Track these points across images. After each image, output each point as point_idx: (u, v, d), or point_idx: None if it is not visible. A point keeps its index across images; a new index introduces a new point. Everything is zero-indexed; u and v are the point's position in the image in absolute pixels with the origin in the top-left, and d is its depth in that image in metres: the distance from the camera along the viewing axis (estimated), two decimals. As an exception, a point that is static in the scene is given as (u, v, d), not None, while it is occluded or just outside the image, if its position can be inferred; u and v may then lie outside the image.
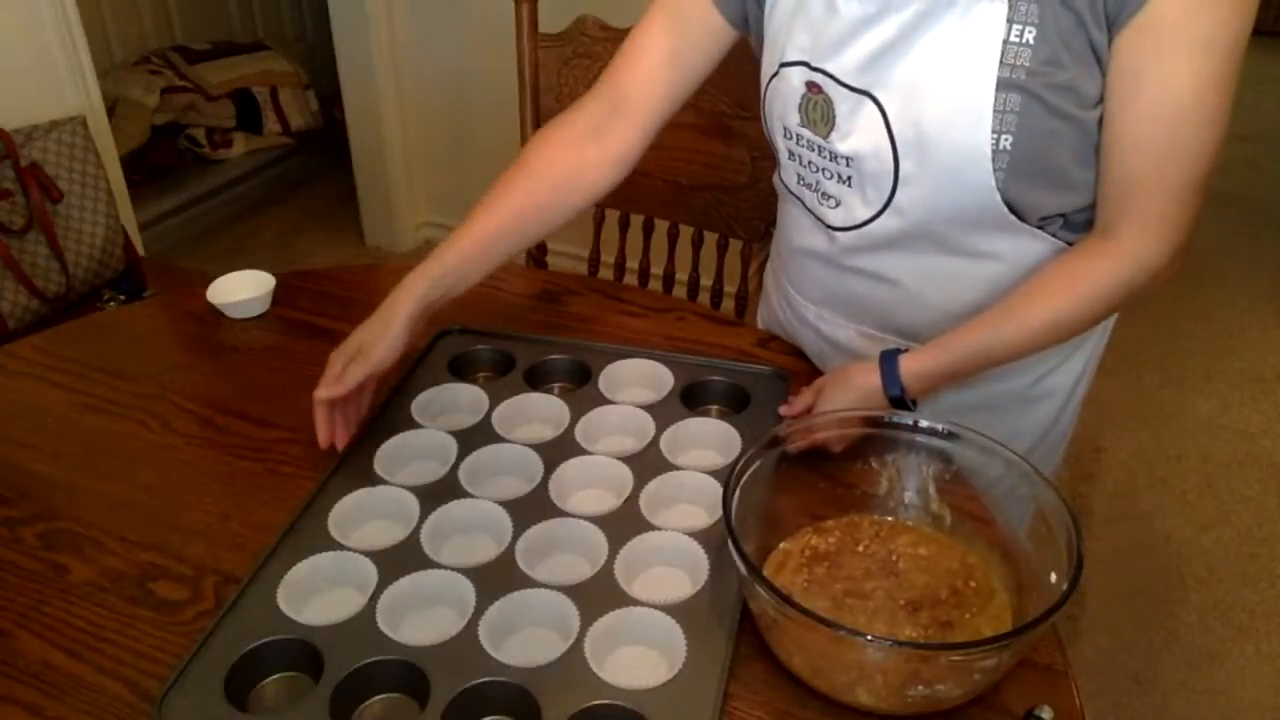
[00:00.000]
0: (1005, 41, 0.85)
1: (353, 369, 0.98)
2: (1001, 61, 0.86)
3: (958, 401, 1.09)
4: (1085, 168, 0.93)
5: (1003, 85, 0.86)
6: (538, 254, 1.65)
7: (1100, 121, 0.89)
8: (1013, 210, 0.93)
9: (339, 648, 0.79)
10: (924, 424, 0.90)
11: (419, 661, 0.78)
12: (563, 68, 1.54)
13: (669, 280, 1.64)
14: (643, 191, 1.57)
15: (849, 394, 0.99)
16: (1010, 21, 0.85)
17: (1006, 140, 0.88)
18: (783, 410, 1.02)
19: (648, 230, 1.61)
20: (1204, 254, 3.12)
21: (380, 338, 1.00)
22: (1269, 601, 1.97)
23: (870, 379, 0.98)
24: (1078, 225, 0.98)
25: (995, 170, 0.89)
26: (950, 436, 0.89)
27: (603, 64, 1.52)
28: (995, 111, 0.87)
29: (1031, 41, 0.85)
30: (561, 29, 1.53)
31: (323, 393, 0.97)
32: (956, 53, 0.87)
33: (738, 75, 1.44)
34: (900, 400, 0.98)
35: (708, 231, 1.57)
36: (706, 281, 1.61)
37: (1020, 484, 0.85)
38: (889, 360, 0.98)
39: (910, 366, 0.97)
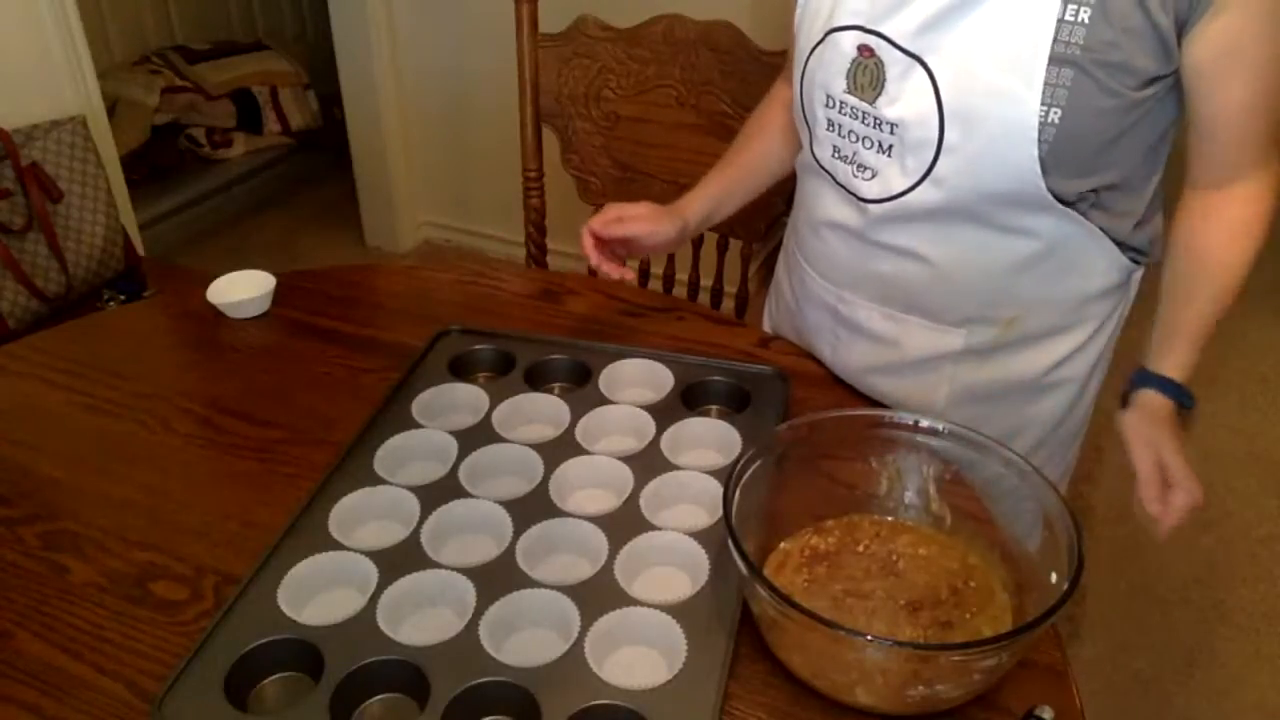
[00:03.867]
0: (1060, 20, 0.86)
1: (631, 224, 1.13)
2: (1056, 38, 0.87)
3: (969, 388, 1.10)
4: (1121, 146, 0.94)
5: (1055, 59, 0.87)
6: (538, 254, 1.65)
7: (1144, 100, 0.91)
8: (1049, 187, 0.93)
9: (339, 648, 0.79)
10: (924, 424, 0.90)
11: (419, 661, 0.78)
12: (563, 68, 1.54)
13: (669, 280, 1.64)
14: (643, 192, 1.57)
15: (1158, 425, 0.99)
16: (1066, 1, 0.86)
17: (1055, 114, 0.89)
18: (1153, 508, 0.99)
19: (648, 230, 1.61)
20: (1204, 254, 3.11)
21: (661, 222, 1.14)
22: (1269, 601, 1.97)
23: (1156, 404, 1.00)
24: (1105, 204, 0.99)
25: (1040, 142, 0.90)
26: (950, 436, 0.89)
27: (603, 64, 1.53)
28: (1047, 84, 0.88)
29: (1086, 21, 0.86)
30: (561, 29, 1.53)
31: (598, 226, 1.12)
32: (1011, 26, 0.88)
33: (738, 76, 1.45)
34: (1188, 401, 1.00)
35: (708, 231, 1.57)
36: (706, 281, 1.61)
37: (1021, 484, 0.85)
38: (1156, 382, 1.00)
39: (1174, 367, 1.00)
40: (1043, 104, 0.88)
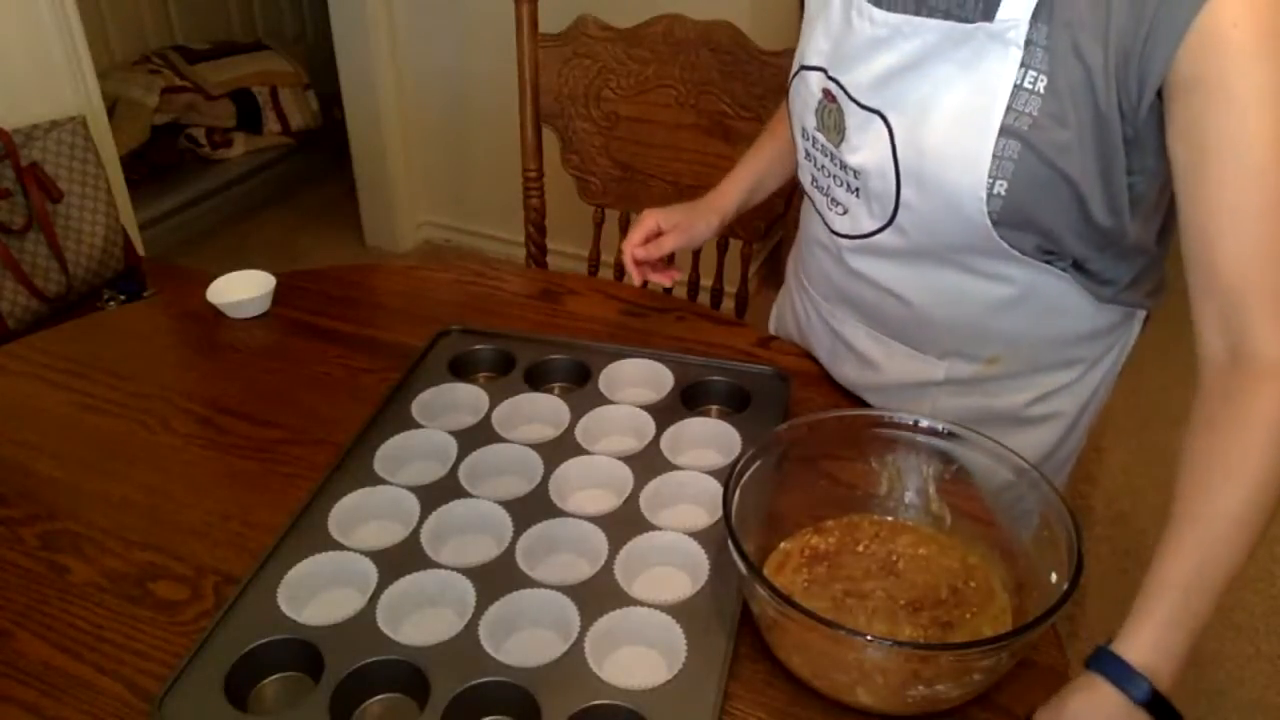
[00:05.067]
0: (1018, 86, 0.83)
1: (669, 239, 1.16)
2: (1009, 107, 0.83)
3: (952, 415, 1.06)
4: (1073, 225, 0.90)
5: (1005, 131, 0.84)
6: (538, 254, 1.65)
7: (1090, 182, 0.85)
8: (1010, 244, 0.91)
9: (339, 648, 0.79)
10: (924, 424, 0.90)
11: (419, 661, 0.78)
12: (563, 68, 1.54)
13: (669, 280, 1.64)
14: (643, 191, 1.57)
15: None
16: (1025, 66, 0.82)
17: (1001, 186, 0.86)
18: None
19: (648, 230, 1.61)
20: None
21: (697, 226, 1.18)
22: (1269, 601, 1.96)
23: (1101, 701, 0.71)
24: (1090, 273, 0.96)
25: (989, 212, 0.87)
26: (950, 436, 0.89)
27: (603, 64, 1.53)
28: (994, 156, 0.85)
29: (1042, 91, 0.82)
30: (561, 29, 1.53)
31: (640, 253, 1.16)
32: (968, 89, 0.85)
33: (738, 76, 1.45)
34: (1158, 699, 0.72)
35: (708, 231, 1.57)
36: (706, 281, 1.61)
37: (1021, 484, 0.85)
38: (1108, 661, 0.72)
39: (1140, 647, 0.72)
40: (989, 175, 0.85)
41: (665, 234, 1.17)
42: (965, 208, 0.88)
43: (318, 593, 0.86)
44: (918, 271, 0.99)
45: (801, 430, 0.90)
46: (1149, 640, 0.72)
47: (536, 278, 1.41)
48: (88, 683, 0.80)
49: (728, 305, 1.56)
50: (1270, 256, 0.76)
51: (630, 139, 1.55)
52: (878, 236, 0.98)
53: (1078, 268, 0.96)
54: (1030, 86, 0.83)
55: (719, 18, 1.46)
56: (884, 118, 0.91)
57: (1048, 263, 0.94)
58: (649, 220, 1.17)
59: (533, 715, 0.74)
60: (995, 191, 0.86)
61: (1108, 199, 0.87)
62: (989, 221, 0.88)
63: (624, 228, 1.61)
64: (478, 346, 1.17)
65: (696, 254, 1.59)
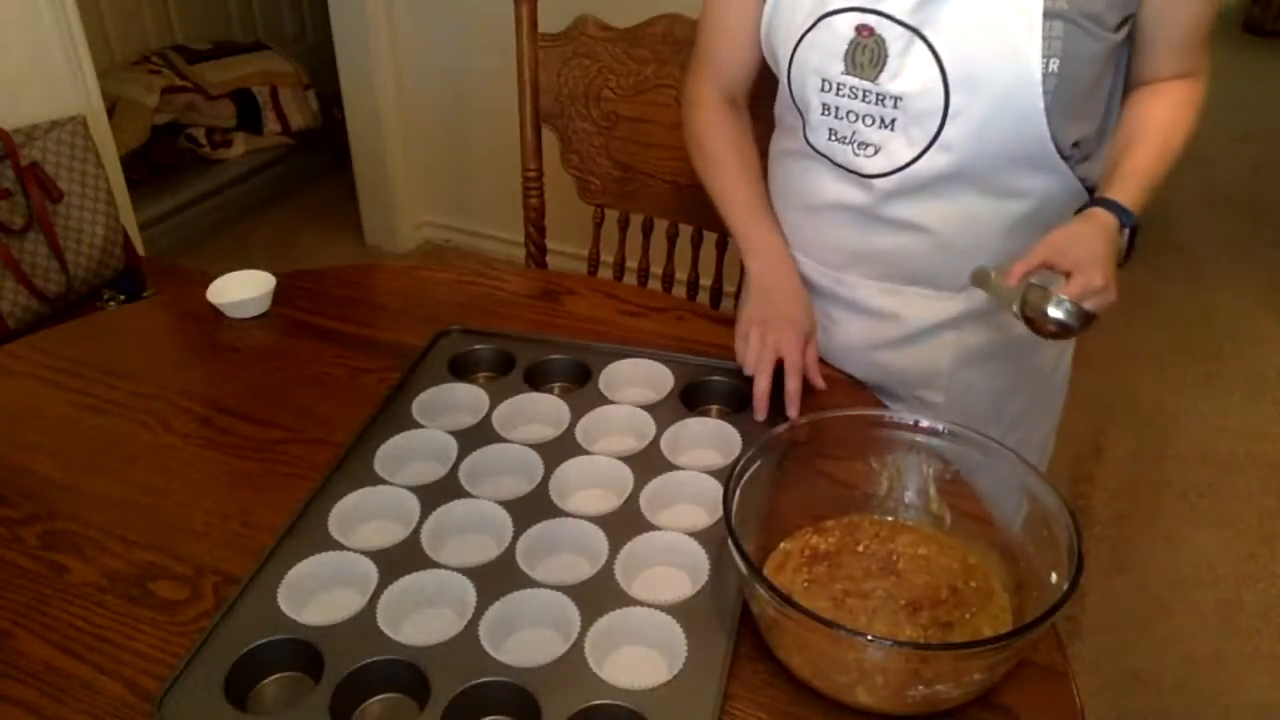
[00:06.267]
0: None
1: (811, 350, 1.09)
2: None
3: (971, 350, 1.14)
4: (1105, 86, 1.03)
5: (1049, 14, 0.93)
6: (537, 254, 1.65)
7: (1119, 42, 0.99)
8: (1052, 137, 0.98)
9: (339, 648, 0.79)
10: (924, 424, 0.90)
11: (419, 661, 0.78)
12: (563, 68, 1.54)
13: (669, 280, 1.64)
14: (643, 191, 1.57)
15: (1092, 232, 0.96)
16: None
17: (1054, 64, 0.94)
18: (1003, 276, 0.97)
19: (647, 230, 1.61)
20: (1204, 254, 3.12)
21: (808, 311, 1.12)
22: (1269, 601, 1.97)
23: (1100, 223, 0.97)
24: (1086, 151, 1.06)
25: (1044, 94, 0.95)
26: (950, 436, 0.89)
27: (603, 64, 1.53)
28: (1044, 38, 0.93)
29: None
30: (561, 29, 1.53)
31: (795, 390, 1.05)
32: None
33: (738, 75, 1.45)
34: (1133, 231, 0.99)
35: (708, 231, 1.57)
36: (706, 281, 1.61)
37: (1021, 484, 0.85)
38: (1104, 202, 0.98)
39: (1124, 199, 0.99)
40: (1043, 56, 0.94)
41: (802, 349, 1.07)
42: (1020, 95, 0.96)
43: (318, 593, 0.86)
44: (945, 200, 1.04)
45: (801, 430, 0.90)
46: (1128, 198, 0.99)
47: (536, 278, 1.41)
48: (88, 683, 0.80)
49: (727, 305, 1.56)
50: (1196, 34, 1.03)
51: (630, 139, 1.55)
52: (915, 165, 1.02)
53: (1085, 159, 1.06)
54: None
55: (719, 18, 1.45)
56: (923, 36, 0.96)
57: (1066, 159, 1.02)
58: (768, 357, 1.06)
59: (533, 715, 0.74)
60: (1050, 70, 0.95)
61: (1119, 53, 1.01)
62: (1042, 105, 0.96)
63: (624, 228, 1.62)
64: (478, 346, 1.17)
65: (696, 254, 1.59)
